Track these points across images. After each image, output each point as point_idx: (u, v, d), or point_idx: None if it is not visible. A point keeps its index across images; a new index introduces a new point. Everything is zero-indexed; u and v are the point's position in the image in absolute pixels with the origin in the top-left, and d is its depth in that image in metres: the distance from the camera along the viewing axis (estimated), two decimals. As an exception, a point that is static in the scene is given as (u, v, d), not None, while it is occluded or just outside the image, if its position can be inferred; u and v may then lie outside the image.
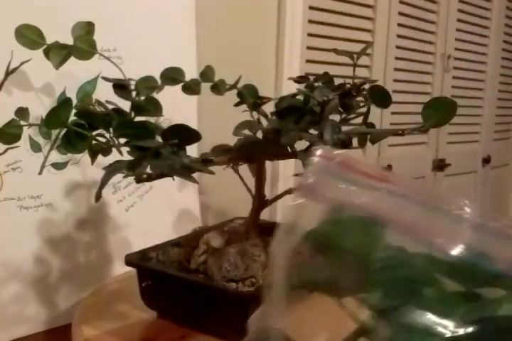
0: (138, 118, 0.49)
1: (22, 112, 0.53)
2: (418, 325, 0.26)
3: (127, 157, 0.45)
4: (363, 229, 0.30)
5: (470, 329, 0.25)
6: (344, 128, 0.51)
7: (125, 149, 0.46)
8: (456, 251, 0.27)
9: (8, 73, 0.59)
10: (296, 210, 0.32)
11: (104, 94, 0.53)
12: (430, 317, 0.26)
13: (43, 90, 0.64)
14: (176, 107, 0.65)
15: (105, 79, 0.52)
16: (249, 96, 0.58)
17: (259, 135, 0.57)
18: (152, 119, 0.70)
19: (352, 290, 0.29)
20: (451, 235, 0.28)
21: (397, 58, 1.29)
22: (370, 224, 0.30)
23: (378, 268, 0.28)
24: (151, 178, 0.49)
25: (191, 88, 0.58)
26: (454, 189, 1.62)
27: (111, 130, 0.46)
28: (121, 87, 0.52)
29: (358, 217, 0.30)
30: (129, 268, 0.56)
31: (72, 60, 0.51)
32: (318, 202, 0.32)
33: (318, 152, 0.33)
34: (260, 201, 0.60)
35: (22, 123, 0.52)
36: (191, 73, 0.68)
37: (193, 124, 0.82)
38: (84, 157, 0.68)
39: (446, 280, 0.28)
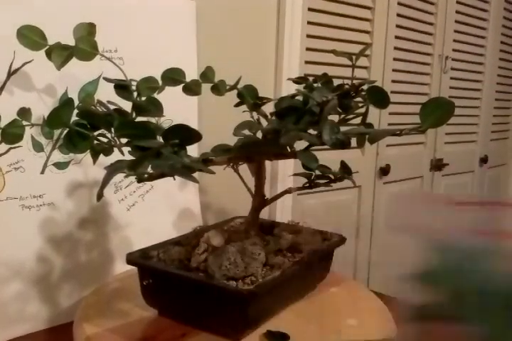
0: (139, 119, 0.50)
1: (24, 112, 0.54)
2: None
3: (128, 157, 0.45)
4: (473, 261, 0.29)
5: None
6: (343, 128, 0.51)
7: (126, 149, 0.46)
8: None
9: (11, 74, 0.60)
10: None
11: (106, 94, 0.54)
12: None
13: (45, 91, 0.65)
14: (177, 108, 0.66)
15: (107, 79, 0.53)
16: (249, 97, 0.58)
17: (259, 135, 0.58)
18: (153, 119, 0.71)
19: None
20: None
21: (395, 59, 1.30)
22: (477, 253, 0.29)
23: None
24: (152, 178, 0.49)
25: (192, 89, 0.59)
26: (452, 188, 1.63)
27: (112, 130, 0.46)
28: (122, 87, 0.53)
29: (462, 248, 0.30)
30: (130, 267, 0.56)
31: (74, 60, 0.52)
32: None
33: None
34: (260, 200, 0.61)
35: (24, 123, 0.52)
36: (192, 74, 0.68)
37: (194, 124, 0.82)
38: (86, 157, 0.69)
39: None
